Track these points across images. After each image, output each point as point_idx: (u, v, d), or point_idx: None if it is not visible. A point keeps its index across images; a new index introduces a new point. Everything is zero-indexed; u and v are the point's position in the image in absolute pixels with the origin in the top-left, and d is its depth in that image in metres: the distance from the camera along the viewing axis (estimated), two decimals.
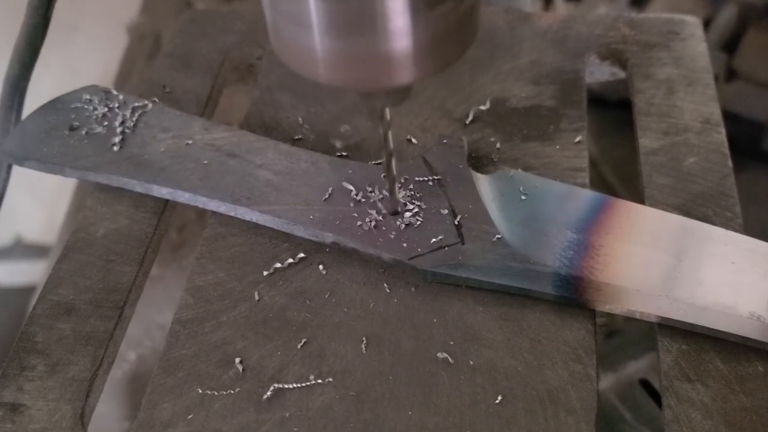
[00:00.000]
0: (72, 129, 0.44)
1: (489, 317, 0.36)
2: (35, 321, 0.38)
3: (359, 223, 0.39)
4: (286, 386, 0.35)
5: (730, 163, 0.42)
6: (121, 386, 0.75)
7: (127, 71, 0.77)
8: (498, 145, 0.44)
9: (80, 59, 0.77)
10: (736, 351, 0.34)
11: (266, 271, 0.39)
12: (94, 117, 0.45)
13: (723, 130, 0.44)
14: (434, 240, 0.38)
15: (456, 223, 0.38)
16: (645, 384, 0.64)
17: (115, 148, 0.43)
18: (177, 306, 0.38)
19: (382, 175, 0.38)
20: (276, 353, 0.36)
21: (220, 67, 0.51)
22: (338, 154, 0.44)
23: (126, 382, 0.76)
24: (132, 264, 0.40)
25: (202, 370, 0.35)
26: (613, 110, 0.82)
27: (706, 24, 0.86)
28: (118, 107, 0.45)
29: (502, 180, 0.41)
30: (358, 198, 0.40)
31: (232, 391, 0.35)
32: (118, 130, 0.44)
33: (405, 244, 0.38)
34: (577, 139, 0.44)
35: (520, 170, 0.41)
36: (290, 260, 0.39)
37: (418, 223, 0.38)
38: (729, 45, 0.86)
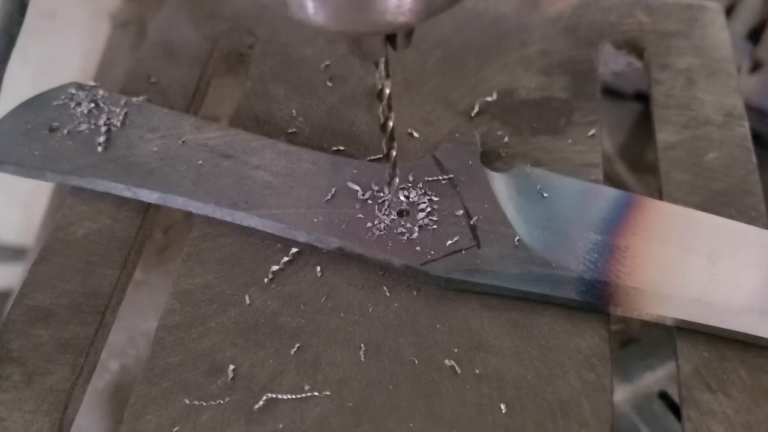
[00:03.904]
0: (52, 129, 0.43)
1: (496, 323, 0.36)
2: (10, 327, 0.38)
3: (368, 225, 0.38)
4: (278, 396, 0.35)
5: (754, 159, 0.42)
6: (103, 398, 0.75)
7: (109, 61, 0.77)
8: (506, 139, 0.44)
9: (60, 48, 0.77)
10: (761, 359, 0.34)
11: (258, 274, 0.39)
12: (77, 116, 0.44)
13: (746, 124, 0.44)
14: (449, 243, 0.37)
15: (471, 224, 0.38)
16: (664, 396, 0.64)
17: (100, 149, 0.42)
18: (162, 311, 0.38)
19: (383, 142, 0.38)
20: (268, 361, 0.36)
21: (209, 56, 0.51)
22: (335, 149, 0.44)
23: (108, 393, 0.76)
24: (114, 267, 0.40)
25: (189, 380, 0.35)
26: (629, 102, 0.82)
27: (729, 11, 0.86)
28: (101, 104, 0.45)
29: (519, 178, 0.40)
30: (365, 197, 0.40)
31: (222, 402, 0.35)
32: (103, 129, 0.43)
33: (418, 248, 0.37)
34: (590, 133, 0.44)
35: (537, 167, 0.41)
36: (285, 259, 0.39)
37: (431, 225, 0.38)
38: (753, 33, 0.86)
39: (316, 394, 0.35)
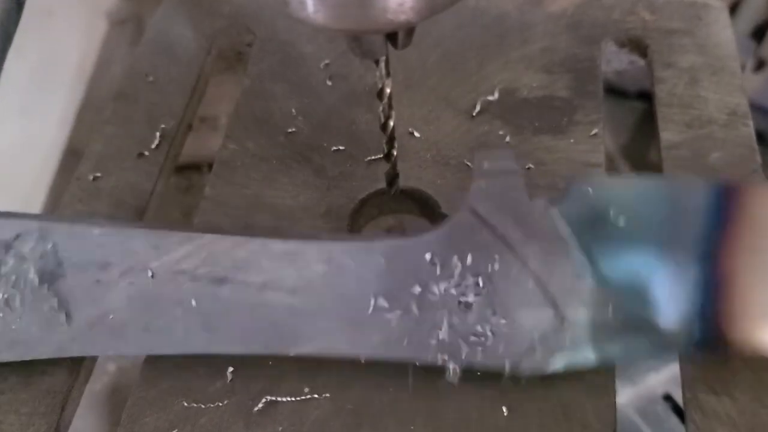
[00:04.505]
0: None
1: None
2: None
3: (430, 331, 0.32)
4: (278, 399, 0.35)
5: (758, 159, 0.42)
6: (101, 399, 0.75)
7: (106, 59, 0.77)
8: (507, 139, 0.44)
9: (56, 46, 0.77)
10: (766, 361, 0.34)
11: None
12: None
13: (751, 123, 0.44)
14: (531, 329, 0.31)
15: (549, 298, 0.31)
16: (668, 399, 0.64)
17: (63, 321, 0.33)
18: None
19: (383, 142, 0.37)
20: (267, 363, 0.36)
21: (207, 54, 0.51)
22: (334, 148, 0.44)
23: (105, 395, 0.76)
24: None
25: (187, 382, 0.35)
26: (632, 101, 0.83)
27: (733, 9, 0.86)
28: (20, 250, 0.34)
29: (581, 206, 0.31)
30: (416, 293, 0.32)
31: (221, 404, 0.35)
32: (46, 291, 0.33)
33: (501, 348, 0.31)
34: (593, 132, 0.44)
35: (595, 179, 0.32)
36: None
37: (501, 317, 0.31)
38: (757, 32, 0.86)
39: (316, 396, 0.35)
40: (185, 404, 0.35)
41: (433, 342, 0.32)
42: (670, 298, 0.30)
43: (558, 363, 0.31)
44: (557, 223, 0.31)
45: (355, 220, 0.42)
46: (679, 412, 0.62)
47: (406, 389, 0.34)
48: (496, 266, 0.31)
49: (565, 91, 0.46)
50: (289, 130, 0.46)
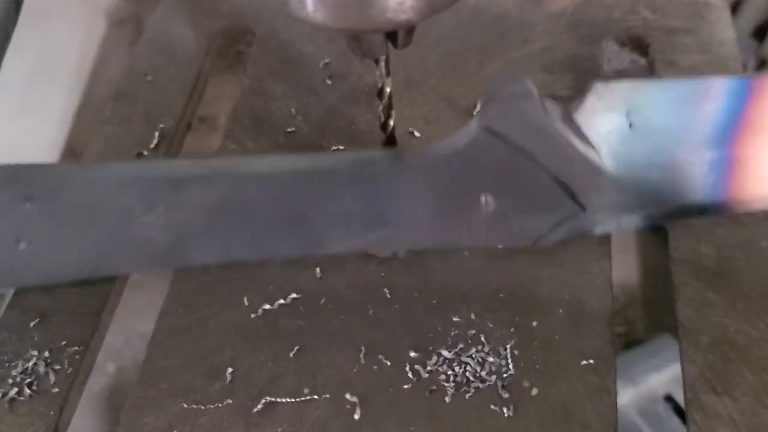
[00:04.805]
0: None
1: (498, 324, 0.36)
2: (5, 328, 0.38)
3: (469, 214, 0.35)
4: (277, 400, 0.35)
5: None
6: (99, 400, 0.76)
7: (105, 59, 0.77)
8: None
9: (55, 46, 0.77)
10: (767, 361, 0.34)
11: (256, 275, 0.39)
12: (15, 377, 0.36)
13: None
14: (552, 217, 0.35)
15: (568, 191, 0.34)
16: (669, 400, 0.64)
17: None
18: (159, 313, 0.38)
19: (383, 142, 0.37)
20: (267, 364, 0.36)
21: (206, 54, 0.51)
22: (334, 148, 0.44)
23: (104, 395, 0.76)
24: None
25: (187, 382, 0.35)
26: None
27: (735, 8, 0.86)
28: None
29: (599, 103, 0.34)
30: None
31: (220, 405, 0.35)
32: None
33: (522, 230, 0.35)
34: None
35: (613, 80, 0.35)
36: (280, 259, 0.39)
37: (525, 203, 0.35)
38: (759, 31, 0.86)
39: (316, 397, 0.35)
40: (184, 405, 0.35)
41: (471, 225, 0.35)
42: (683, 180, 0.33)
43: (581, 235, 0.35)
44: (573, 125, 0.34)
45: None
46: (680, 413, 0.62)
47: (406, 390, 0.34)
48: (515, 166, 0.34)
49: (566, 91, 0.46)
50: (289, 130, 0.46)
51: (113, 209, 0.36)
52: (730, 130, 0.33)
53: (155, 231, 0.36)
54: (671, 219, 0.35)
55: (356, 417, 0.34)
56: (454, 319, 0.37)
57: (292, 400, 0.35)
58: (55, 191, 0.36)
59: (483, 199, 0.35)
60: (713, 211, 0.35)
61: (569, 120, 0.34)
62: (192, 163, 0.37)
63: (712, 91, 0.33)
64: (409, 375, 0.35)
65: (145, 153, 0.45)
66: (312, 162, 0.36)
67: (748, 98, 0.33)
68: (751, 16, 0.87)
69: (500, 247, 0.36)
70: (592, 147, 0.34)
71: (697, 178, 0.33)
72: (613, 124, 0.33)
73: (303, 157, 0.36)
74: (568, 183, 0.34)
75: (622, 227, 0.35)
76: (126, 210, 0.36)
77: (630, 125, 0.33)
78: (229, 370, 0.36)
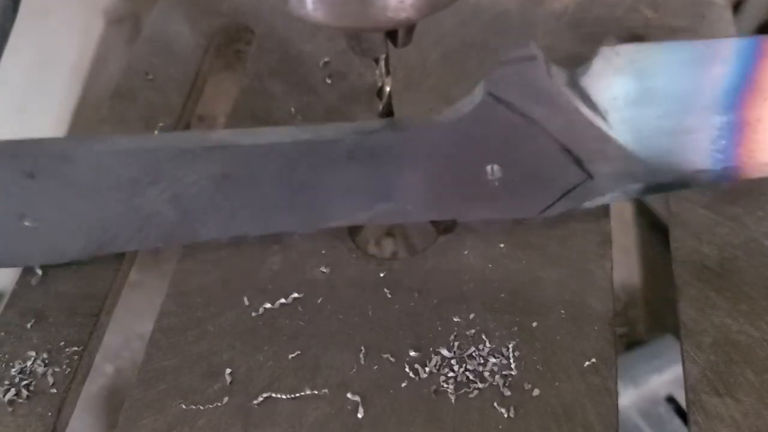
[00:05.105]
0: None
1: (498, 325, 0.36)
2: (3, 329, 0.38)
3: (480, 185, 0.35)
4: (277, 399, 0.34)
5: None
6: (98, 401, 0.75)
7: (103, 57, 0.77)
8: None
9: (53, 44, 0.77)
10: None
11: (256, 275, 0.39)
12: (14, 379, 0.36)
13: None
14: (559, 184, 0.35)
15: (575, 158, 0.34)
16: (670, 401, 0.64)
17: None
18: (158, 313, 0.38)
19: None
20: (266, 364, 0.36)
21: (205, 52, 0.51)
22: None
23: (102, 396, 0.76)
24: (109, 268, 0.40)
25: (186, 383, 0.35)
26: None
27: (736, 7, 0.86)
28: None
29: (607, 66, 0.33)
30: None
31: (219, 404, 0.35)
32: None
33: (528, 199, 0.35)
34: None
35: (623, 44, 0.34)
36: (280, 259, 0.39)
37: (530, 174, 0.35)
38: (760, 30, 0.86)
39: (315, 395, 0.35)
40: (183, 406, 0.35)
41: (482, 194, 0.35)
42: (692, 145, 0.32)
43: (587, 204, 0.35)
44: (580, 90, 0.33)
45: None
46: (681, 414, 0.62)
47: (406, 391, 0.34)
48: (519, 139, 0.33)
49: None
50: None
51: (117, 183, 0.36)
52: (740, 93, 0.32)
53: (160, 204, 0.36)
54: (679, 188, 0.35)
55: (359, 416, 0.34)
56: (455, 319, 0.37)
57: (292, 400, 0.34)
58: (58, 166, 0.35)
59: (489, 168, 0.34)
60: (722, 179, 0.34)
61: (575, 85, 0.33)
62: (195, 135, 0.37)
63: (721, 52, 0.33)
64: (410, 375, 0.35)
65: None
66: (314, 133, 0.35)
67: (757, 59, 0.32)
68: (752, 15, 0.86)
69: (508, 218, 0.36)
70: (599, 113, 0.33)
71: (706, 143, 0.32)
72: (621, 89, 0.33)
73: (305, 128, 0.36)
74: (575, 150, 0.33)
75: (628, 196, 0.35)
76: (130, 183, 0.36)
77: (637, 90, 0.33)
78: (228, 370, 0.36)
